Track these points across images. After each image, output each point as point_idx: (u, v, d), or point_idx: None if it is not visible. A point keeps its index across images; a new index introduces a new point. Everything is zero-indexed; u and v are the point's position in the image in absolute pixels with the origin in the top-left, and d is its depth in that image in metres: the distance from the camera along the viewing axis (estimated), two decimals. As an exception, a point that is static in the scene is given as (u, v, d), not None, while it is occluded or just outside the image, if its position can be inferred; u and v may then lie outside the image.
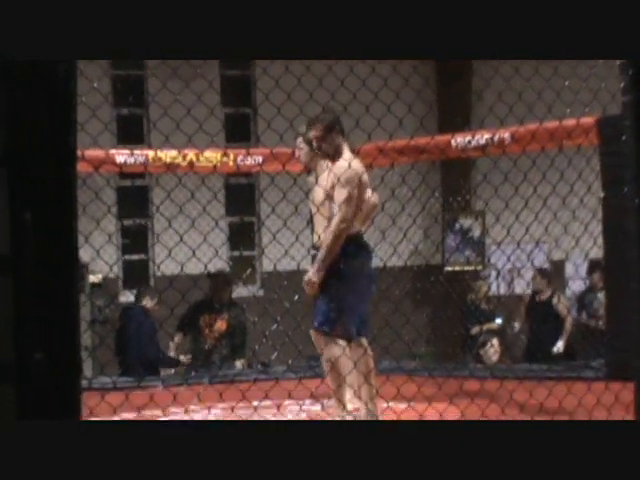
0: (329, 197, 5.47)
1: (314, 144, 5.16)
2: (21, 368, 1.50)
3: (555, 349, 9.01)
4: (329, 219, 5.10)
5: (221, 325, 8.52)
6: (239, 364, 8.37)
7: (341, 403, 4.95)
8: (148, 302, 8.64)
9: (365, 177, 5.07)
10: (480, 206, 10.16)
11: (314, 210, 5.55)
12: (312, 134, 5.12)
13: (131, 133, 10.48)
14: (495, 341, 9.03)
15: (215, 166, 7.30)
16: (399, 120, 4.23)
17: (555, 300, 9.25)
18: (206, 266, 5.59)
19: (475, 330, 9.57)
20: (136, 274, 10.75)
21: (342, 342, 4.88)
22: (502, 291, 10.55)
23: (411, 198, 6.00)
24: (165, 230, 4.94)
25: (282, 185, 4.87)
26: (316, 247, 5.93)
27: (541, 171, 4.69)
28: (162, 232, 4.59)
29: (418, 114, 5.80)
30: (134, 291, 9.25)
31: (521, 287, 10.14)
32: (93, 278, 10.00)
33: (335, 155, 5.10)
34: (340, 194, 4.93)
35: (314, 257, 5.95)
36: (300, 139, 5.80)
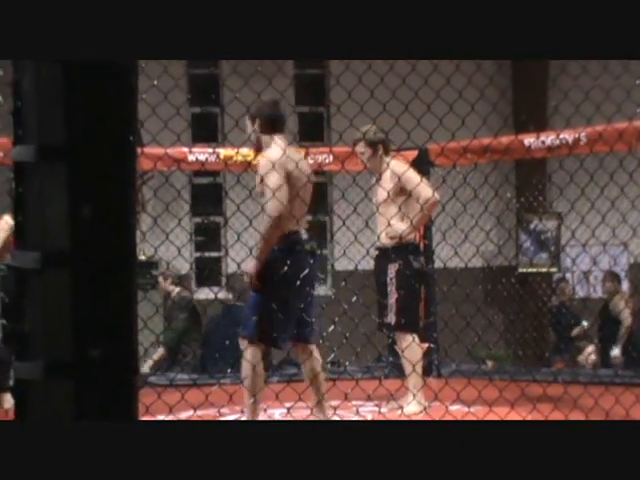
0: (390, 197, 5.46)
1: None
2: (78, 364, 1.50)
3: (612, 354, 8.90)
4: (389, 219, 5.07)
5: None
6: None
7: None
8: None
9: (299, 170, 4.93)
10: (556, 207, 10.02)
11: (375, 210, 5.56)
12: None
13: (205, 131, 10.56)
14: (592, 348, 8.97)
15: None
16: (473, 134, 4.16)
17: (615, 303, 9.15)
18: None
19: (574, 332, 9.50)
20: (208, 271, 10.84)
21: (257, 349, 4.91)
22: (581, 294, 10.42)
23: (493, 197, 5.92)
24: (243, 229, 4.95)
25: (343, 185, 4.85)
26: (378, 247, 5.93)
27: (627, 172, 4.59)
28: (242, 230, 4.64)
29: (493, 127, 5.74)
30: (206, 288, 9.37)
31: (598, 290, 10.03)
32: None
33: (262, 147, 5.07)
34: (268, 182, 4.85)
35: (376, 256, 5.95)
36: (362, 142, 5.83)
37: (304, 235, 5.03)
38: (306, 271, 4.93)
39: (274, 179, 4.82)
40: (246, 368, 4.88)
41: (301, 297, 4.97)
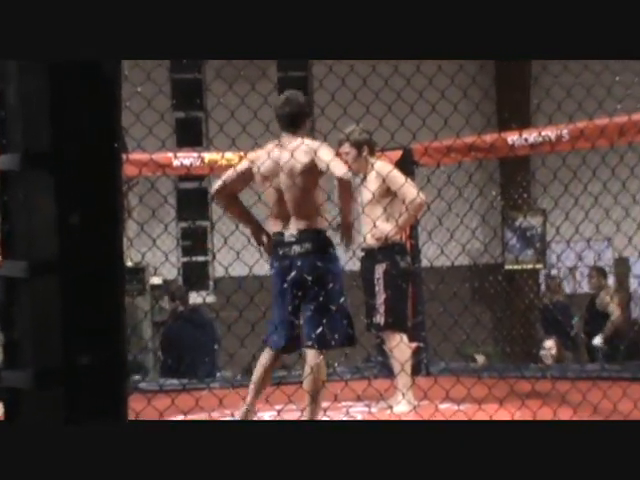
0: (375, 198, 5.48)
1: None
2: (67, 372, 1.50)
3: (595, 342, 8.93)
4: (374, 220, 5.13)
5: None
6: None
7: None
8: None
9: (260, 168, 4.95)
10: (540, 204, 10.06)
11: (360, 211, 5.56)
12: None
13: (189, 136, 10.58)
14: (549, 343, 8.92)
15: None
16: (457, 133, 4.17)
17: (602, 298, 9.19)
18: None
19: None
20: (195, 276, 10.83)
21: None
22: (567, 290, 10.47)
23: (478, 196, 5.95)
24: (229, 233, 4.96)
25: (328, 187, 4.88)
26: (363, 248, 5.93)
27: (610, 167, 4.62)
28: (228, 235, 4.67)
29: (477, 126, 5.76)
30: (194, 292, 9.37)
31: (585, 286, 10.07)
32: (154, 280, 10.08)
33: None
34: None
35: (362, 257, 5.95)
36: (347, 143, 5.82)
37: (286, 238, 4.95)
38: (279, 275, 4.91)
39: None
40: (256, 370, 4.93)
41: (276, 300, 4.92)
